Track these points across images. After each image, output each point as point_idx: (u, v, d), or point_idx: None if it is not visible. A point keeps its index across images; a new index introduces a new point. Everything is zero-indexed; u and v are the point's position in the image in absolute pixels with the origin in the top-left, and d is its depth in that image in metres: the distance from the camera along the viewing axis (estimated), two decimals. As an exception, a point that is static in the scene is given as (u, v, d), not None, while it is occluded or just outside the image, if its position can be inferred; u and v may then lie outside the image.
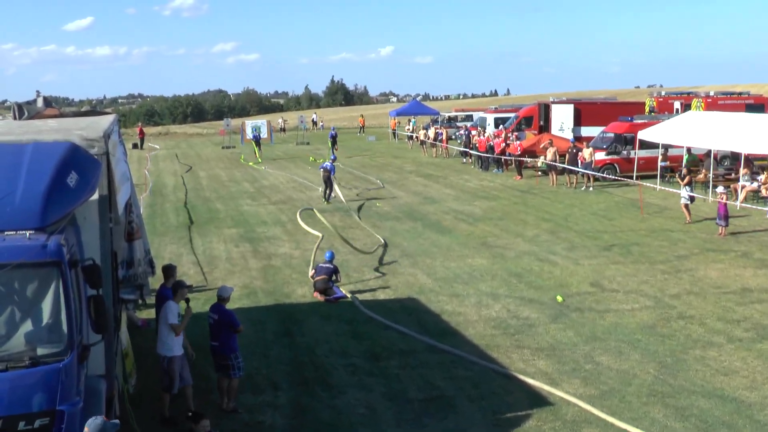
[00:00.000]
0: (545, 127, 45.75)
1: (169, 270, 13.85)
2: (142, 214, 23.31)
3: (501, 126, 48.41)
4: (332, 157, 34.74)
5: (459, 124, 64.05)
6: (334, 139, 56.04)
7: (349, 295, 18.80)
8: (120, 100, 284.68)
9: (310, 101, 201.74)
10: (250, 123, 68.97)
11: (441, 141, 52.83)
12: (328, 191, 32.94)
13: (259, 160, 52.19)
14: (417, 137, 58.27)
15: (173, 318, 12.19)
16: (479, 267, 21.40)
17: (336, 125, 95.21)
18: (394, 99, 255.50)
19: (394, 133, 69.41)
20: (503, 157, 42.08)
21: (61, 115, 14.47)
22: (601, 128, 39.71)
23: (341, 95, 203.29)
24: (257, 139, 57.45)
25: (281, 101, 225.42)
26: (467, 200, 32.99)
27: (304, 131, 70.09)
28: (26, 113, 13.87)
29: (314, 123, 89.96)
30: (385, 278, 20.41)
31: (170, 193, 37.66)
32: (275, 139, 70.31)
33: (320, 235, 23.03)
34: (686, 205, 26.82)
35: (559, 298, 18.23)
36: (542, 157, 38.25)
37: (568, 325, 16.47)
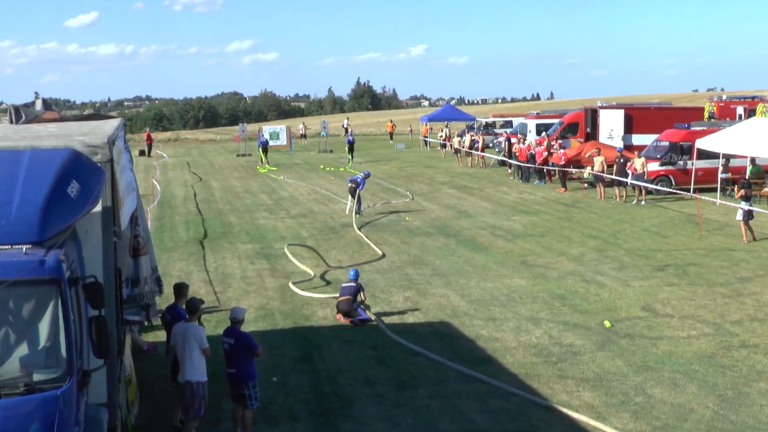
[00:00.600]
0: (592, 135, 45.61)
1: (181, 289, 13.90)
2: (149, 227, 23.45)
3: (543, 133, 48.29)
4: (366, 173, 34.69)
5: (497, 130, 64.01)
6: (351, 145, 57.00)
7: (373, 318, 18.80)
8: (126, 103, 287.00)
9: (334, 105, 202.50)
10: (267, 128, 69.39)
11: (477, 149, 52.81)
12: (356, 204, 33.06)
13: (273, 168, 52.69)
14: (451, 145, 58.35)
15: (205, 341, 12.40)
16: (518, 288, 21.32)
17: (363, 132, 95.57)
18: (426, 103, 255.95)
19: (425, 141, 69.57)
20: (546, 168, 41.97)
21: (62, 119, 14.60)
22: (655, 136, 39.50)
23: (368, 99, 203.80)
24: (265, 145, 57.97)
25: (302, 105, 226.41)
26: (505, 214, 32.92)
27: (326, 138, 70.24)
28: (24, 117, 14.01)
29: (346, 130, 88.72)
30: (415, 300, 20.38)
31: (180, 204, 37.88)
32: (295, 147, 70.63)
33: (312, 273, 22.82)
34: (745, 222, 26.55)
35: (607, 324, 18.11)
36: (589, 168, 38.09)
37: (617, 353, 16.35)
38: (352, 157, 56.98)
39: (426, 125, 71.64)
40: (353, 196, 33.31)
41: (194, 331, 12.38)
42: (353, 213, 32.44)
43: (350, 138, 59.90)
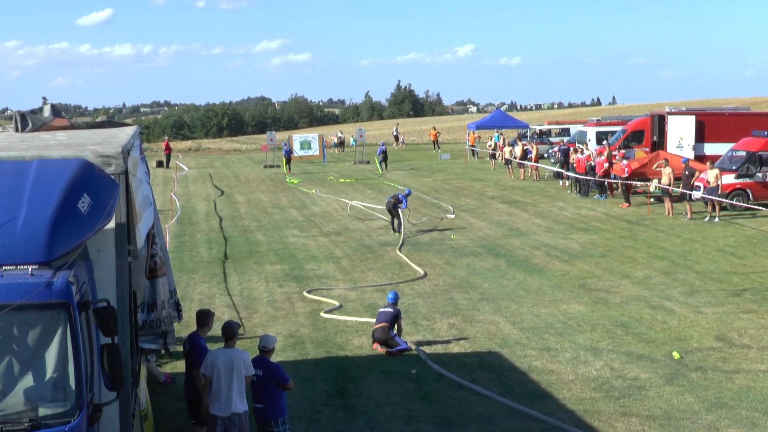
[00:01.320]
0: (659, 144, 45.33)
1: (204, 317, 13.85)
2: (168, 246, 23.59)
3: (604, 142, 48.08)
4: (407, 191, 34.60)
5: (553, 139, 63.83)
6: (384, 155, 58.43)
7: (413, 347, 18.73)
8: (143, 109, 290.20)
9: (372, 111, 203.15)
10: (298, 137, 69.64)
11: (530, 160, 52.68)
12: (396, 221, 33.06)
13: (294, 182, 53.25)
14: (501, 155, 58.30)
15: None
16: (576, 314, 21.19)
17: (404, 140, 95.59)
18: (474, 109, 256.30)
19: (473, 151, 69.49)
20: (607, 180, 41.75)
21: (72, 127, 14.74)
22: (730, 145, 39.19)
23: (409, 104, 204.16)
24: (288, 155, 59.44)
25: (336, 111, 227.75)
26: (562, 233, 32.78)
27: (363, 147, 70.46)
28: (30, 124, 14.15)
29: (396, 139, 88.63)
30: (461, 327, 20.32)
31: (201, 221, 38.12)
32: (329, 157, 70.84)
33: (337, 303, 22.71)
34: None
35: (676, 355, 17.95)
36: (655, 181, 37.84)
37: (687, 388, 16.19)
38: (385, 167, 58.34)
39: (474, 133, 71.54)
40: (393, 214, 33.33)
41: (242, 357, 12.40)
42: (400, 232, 32.33)
43: (382, 148, 61.13)
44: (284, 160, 60.10)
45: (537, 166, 52.58)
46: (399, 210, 32.95)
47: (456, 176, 55.47)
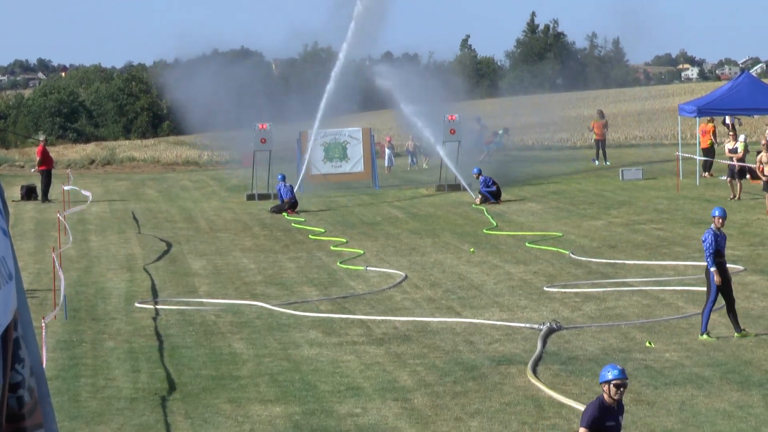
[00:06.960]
0: None
1: None
2: (46, 366, 23.78)
3: None
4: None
5: None
6: (496, 189, 59.92)
7: None
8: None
9: (477, 77, 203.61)
10: (320, 136, 69.23)
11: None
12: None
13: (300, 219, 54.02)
14: (756, 169, 57.98)
15: None
16: None
17: (541, 140, 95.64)
18: (693, 72, 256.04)
19: (704, 165, 67.41)
20: None
21: None
22: None
23: (556, 63, 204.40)
24: (284, 197, 59.74)
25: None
26: None
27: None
28: None
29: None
30: None
31: (118, 312, 38.21)
32: (388, 176, 71.06)
33: None
34: None
35: None
36: None
37: None
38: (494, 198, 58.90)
39: (704, 123, 69.80)
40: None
41: None
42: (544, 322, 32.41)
43: (485, 183, 60.78)
44: (285, 208, 60.33)
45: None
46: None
47: (656, 215, 55.38)
